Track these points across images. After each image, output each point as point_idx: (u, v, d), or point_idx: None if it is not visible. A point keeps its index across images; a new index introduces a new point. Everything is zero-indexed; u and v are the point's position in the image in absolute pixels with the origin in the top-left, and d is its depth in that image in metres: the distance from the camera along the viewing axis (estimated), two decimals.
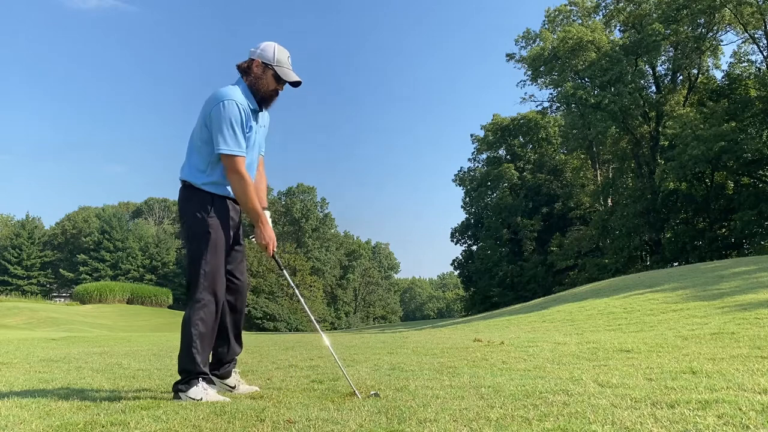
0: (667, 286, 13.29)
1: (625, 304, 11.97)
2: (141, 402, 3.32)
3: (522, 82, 49.91)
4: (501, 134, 55.62)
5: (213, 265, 3.52)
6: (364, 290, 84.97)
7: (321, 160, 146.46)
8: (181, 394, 3.44)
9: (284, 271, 3.89)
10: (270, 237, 3.67)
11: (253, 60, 3.61)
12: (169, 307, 59.66)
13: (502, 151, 57.47)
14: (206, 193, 3.57)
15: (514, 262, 50.03)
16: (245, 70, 3.63)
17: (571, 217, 49.32)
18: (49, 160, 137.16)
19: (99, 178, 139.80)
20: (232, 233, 3.69)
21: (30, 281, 69.30)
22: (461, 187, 58.70)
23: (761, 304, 8.78)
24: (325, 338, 4.01)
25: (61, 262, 73.40)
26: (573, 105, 41.80)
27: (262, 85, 3.60)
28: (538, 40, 45.11)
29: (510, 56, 47.63)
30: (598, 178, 48.13)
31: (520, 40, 46.42)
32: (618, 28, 44.30)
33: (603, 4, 44.05)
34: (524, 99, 49.28)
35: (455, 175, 59.36)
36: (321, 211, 79.12)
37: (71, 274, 69.48)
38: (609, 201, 44.59)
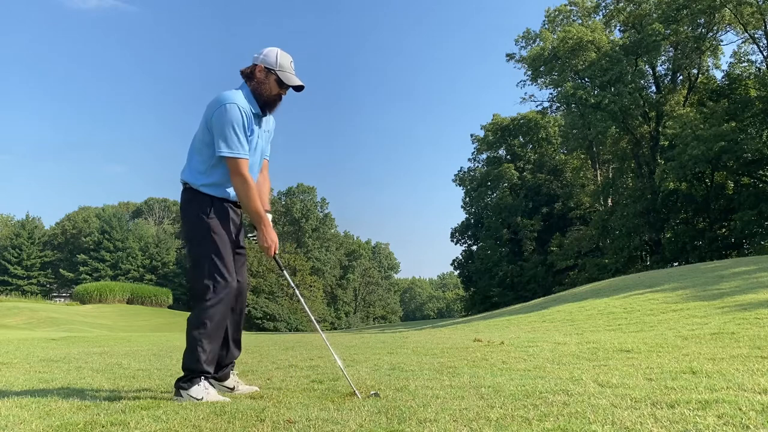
0: (667, 286, 13.29)
1: (625, 304, 11.97)
2: (141, 402, 3.32)
3: (522, 82, 50.04)
4: (501, 134, 55.63)
5: (220, 262, 3.53)
6: (364, 290, 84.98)
7: (321, 160, 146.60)
8: (182, 392, 3.44)
9: (284, 271, 3.90)
10: (273, 239, 3.70)
11: (256, 65, 3.65)
12: (169, 307, 59.67)
13: (502, 151, 57.49)
14: (205, 195, 3.60)
15: (514, 262, 50.04)
16: (248, 75, 3.67)
17: (571, 217, 49.33)
18: (49, 160, 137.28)
19: (99, 178, 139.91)
20: (233, 235, 3.70)
21: (30, 281, 69.31)
22: (461, 187, 58.76)
23: (761, 304, 8.78)
24: (325, 338, 4.02)
25: (61, 262, 73.40)
26: (573, 105, 41.80)
27: (265, 90, 3.63)
28: (538, 40, 45.13)
29: (510, 56, 47.68)
30: (598, 178, 48.14)
31: (520, 40, 46.47)
32: (618, 28, 44.31)
33: (603, 4, 44.07)
34: (524, 99, 49.37)
35: (455, 175, 59.44)
36: (321, 211, 79.18)
37: (71, 274, 69.49)
38: (609, 201, 44.59)
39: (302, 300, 4.22)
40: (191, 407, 3.15)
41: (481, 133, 57.29)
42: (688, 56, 39.56)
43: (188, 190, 3.66)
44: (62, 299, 66.62)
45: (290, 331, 53.02)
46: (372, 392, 3.46)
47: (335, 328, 67.81)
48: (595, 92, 39.29)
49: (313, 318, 4.07)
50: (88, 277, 66.35)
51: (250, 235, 3.81)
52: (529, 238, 50.36)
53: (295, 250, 70.39)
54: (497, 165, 54.93)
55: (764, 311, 7.94)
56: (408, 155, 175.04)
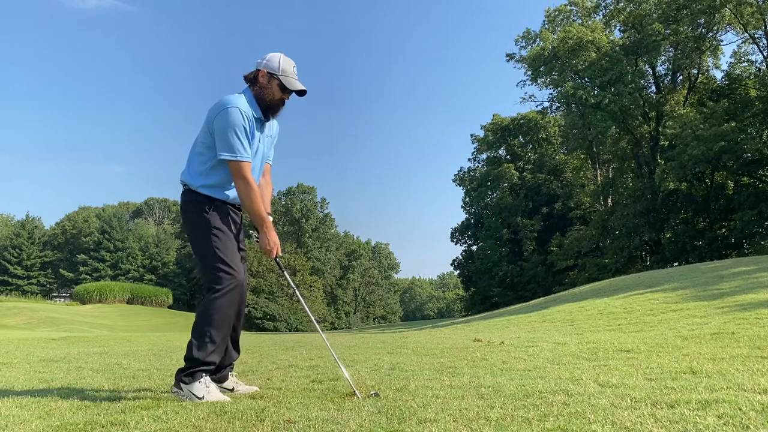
0: (667, 286, 13.29)
1: (625, 304, 11.97)
2: (141, 402, 3.32)
3: (522, 82, 50.02)
4: (501, 134, 55.64)
5: (225, 255, 3.56)
6: (364, 290, 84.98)
7: (321, 160, 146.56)
8: (183, 386, 3.45)
9: (285, 272, 3.91)
10: (275, 242, 3.73)
11: (259, 70, 3.69)
12: (169, 307, 59.67)
13: (502, 151, 57.50)
14: (204, 195, 3.64)
15: (514, 262, 50.04)
16: (252, 80, 3.71)
17: (571, 217, 49.34)
18: (49, 160, 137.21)
19: (99, 178, 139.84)
20: (233, 234, 3.72)
21: (30, 281, 69.31)
22: (461, 187, 58.77)
23: (761, 304, 8.78)
24: (325, 338, 4.02)
25: (61, 262, 73.40)
26: (573, 105, 41.81)
27: (268, 95, 3.67)
28: (538, 40, 45.13)
29: (510, 56, 47.68)
30: (598, 178, 48.15)
31: (520, 40, 46.47)
32: (618, 28, 44.32)
33: (603, 4, 44.07)
34: (524, 99, 49.37)
35: (455, 175, 59.45)
36: (321, 211, 79.17)
37: (71, 274, 69.48)
38: (609, 201, 44.60)
39: (302, 300, 4.23)
40: (191, 407, 3.15)
41: (481, 133, 57.34)
42: (688, 56, 39.56)
43: (187, 191, 3.71)
44: (62, 299, 66.62)
45: (290, 331, 53.03)
46: (372, 392, 3.46)
47: (335, 328, 67.82)
48: (595, 92, 39.29)
49: (313, 318, 4.07)
50: (88, 277, 66.34)
51: (252, 233, 3.82)
52: (529, 238, 50.36)
53: (295, 250, 70.40)
54: (497, 165, 54.94)
55: (764, 311, 7.94)
56: (408, 155, 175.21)
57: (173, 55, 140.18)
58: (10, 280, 66.71)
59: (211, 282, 3.52)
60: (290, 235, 74.65)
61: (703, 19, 38.13)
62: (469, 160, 60.12)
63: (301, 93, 3.75)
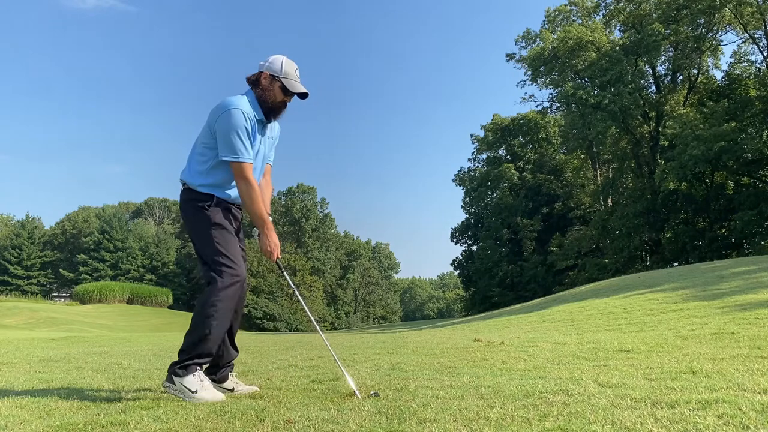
0: (667, 286, 13.29)
1: (625, 304, 11.97)
2: (141, 402, 3.33)
3: (522, 82, 49.96)
4: (501, 134, 55.64)
5: (225, 250, 3.58)
6: (364, 290, 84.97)
7: (321, 160, 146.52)
8: (175, 378, 3.43)
9: (285, 272, 3.92)
10: (275, 243, 3.75)
11: (262, 72, 3.71)
12: (169, 307, 59.68)
13: (502, 151, 57.50)
14: (204, 193, 3.67)
15: (514, 262, 50.04)
16: (254, 82, 3.73)
17: (571, 217, 49.33)
18: (49, 160, 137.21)
19: (99, 178, 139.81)
20: (233, 231, 3.74)
21: (30, 281, 69.32)
22: (461, 187, 58.77)
23: (761, 304, 8.78)
24: (325, 339, 4.02)
25: (61, 262, 73.43)
26: (573, 105, 41.80)
27: (270, 97, 3.68)
28: (538, 40, 45.11)
29: (510, 56, 47.66)
30: (598, 178, 48.14)
31: (520, 40, 46.45)
32: (618, 28, 44.32)
33: (603, 4, 44.07)
34: (524, 99, 49.30)
35: (455, 175, 59.45)
36: (321, 211, 79.16)
37: (71, 274, 69.50)
38: (609, 201, 44.60)
39: (302, 300, 4.23)
40: (191, 407, 3.15)
41: (481, 133, 57.34)
42: (688, 56, 39.57)
43: (187, 190, 3.73)
44: (62, 299, 66.62)
45: (290, 331, 53.04)
46: (372, 392, 3.46)
47: (335, 328, 67.82)
48: (595, 92, 39.29)
49: (313, 319, 4.08)
50: (88, 277, 66.35)
51: (252, 235, 3.84)
52: (529, 238, 50.35)
53: (295, 250, 70.41)
54: (497, 165, 54.94)
55: (764, 311, 7.94)
56: (408, 155, 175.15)
57: (173, 55, 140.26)
58: (10, 280, 66.73)
59: (212, 276, 3.53)
60: (290, 235, 74.64)
61: (703, 19, 38.14)
62: (469, 160, 60.21)
63: (303, 96, 3.77)
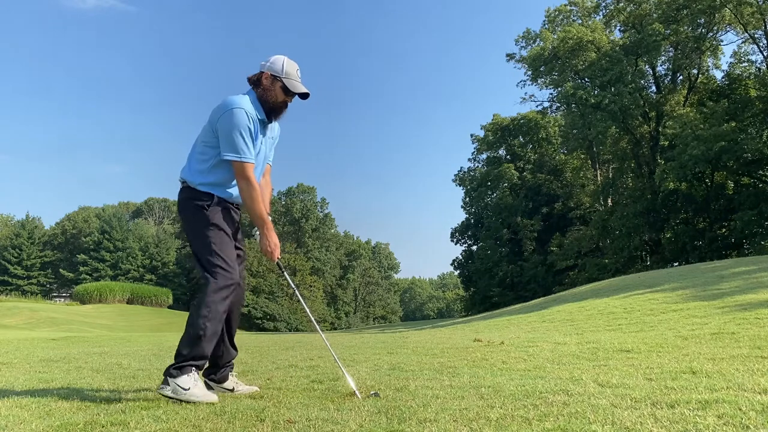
0: (667, 286, 13.29)
1: (625, 304, 11.97)
2: (141, 402, 3.33)
3: (522, 82, 50.01)
4: (501, 134, 55.63)
5: (221, 252, 3.57)
6: (364, 290, 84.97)
7: (321, 160, 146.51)
8: (170, 379, 3.42)
9: (285, 272, 3.92)
10: (275, 244, 3.74)
11: (263, 72, 3.71)
12: (169, 307, 59.67)
13: (502, 151, 57.49)
14: (203, 192, 3.66)
15: (514, 262, 50.03)
16: (255, 82, 3.73)
17: (571, 217, 49.33)
18: (49, 160, 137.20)
19: (99, 178, 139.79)
20: (232, 232, 3.73)
21: (30, 281, 69.32)
22: (461, 187, 58.76)
23: (761, 304, 8.78)
24: (325, 339, 4.03)
25: (61, 262, 73.43)
26: (573, 105, 41.80)
27: (271, 97, 3.69)
28: (538, 40, 45.11)
29: (510, 56, 47.65)
30: (598, 178, 48.14)
31: (520, 40, 46.44)
32: (618, 28, 44.32)
33: (603, 4, 44.07)
34: (524, 99, 49.30)
35: (455, 175, 59.44)
36: (321, 211, 79.16)
37: (71, 274, 69.50)
38: (609, 201, 44.59)
39: (302, 301, 4.24)
40: (191, 407, 3.15)
41: (481, 133, 57.32)
42: (688, 56, 39.56)
43: (186, 189, 3.72)
44: (62, 299, 66.61)
45: (290, 331, 53.05)
46: (372, 392, 3.46)
47: (335, 328, 67.82)
48: (595, 92, 39.29)
49: (313, 319, 4.08)
50: (88, 277, 66.35)
51: (252, 236, 3.84)
52: (529, 238, 50.35)
53: (295, 250, 70.41)
54: (497, 165, 54.93)
55: (764, 311, 7.94)
56: (408, 155, 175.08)
57: (173, 55, 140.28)
58: (10, 280, 66.73)
59: (206, 277, 3.53)
60: (290, 235, 74.65)
61: (703, 19, 38.13)
62: (469, 160, 60.19)
63: (304, 96, 3.77)
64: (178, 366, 3.45)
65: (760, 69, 36.78)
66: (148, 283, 65.78)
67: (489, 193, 56.49)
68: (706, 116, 34.10)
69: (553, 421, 2.59)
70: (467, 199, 57.93)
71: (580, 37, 39.94)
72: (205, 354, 3.52)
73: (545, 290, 40.76)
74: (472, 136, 58.61)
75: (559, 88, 41.85)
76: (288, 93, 3.71)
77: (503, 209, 52.32)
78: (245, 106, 3.57)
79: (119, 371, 5.27)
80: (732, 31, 39.19)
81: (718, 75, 42.43)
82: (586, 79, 41.11)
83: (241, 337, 15.51)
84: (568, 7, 45.04)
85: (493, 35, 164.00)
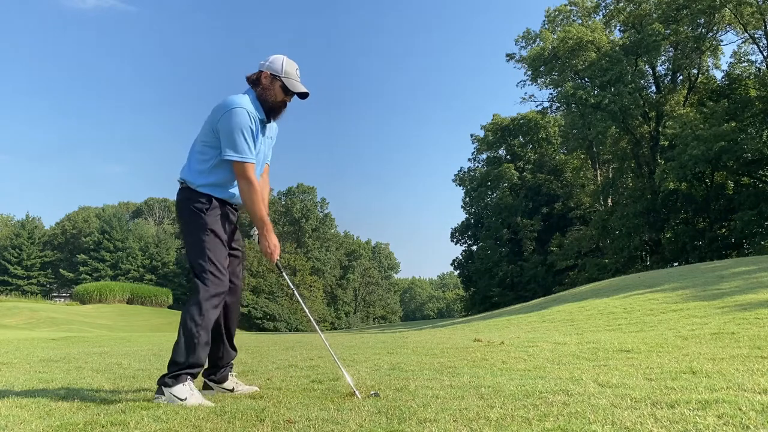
0: (667, 286, 13.28)
1: (625, 304, 11.97)
2: (141, 402, 3.32)
3: (522, 82, 49.93)
4: (501, 134, 55.62)
5: (215, 258, 3.55)
6: (364, 290, 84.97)
7: (321, 160, 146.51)
8: (165, 389, 3.39)
9: (284, 273, 3.92)
10: (275, 245, 3.73)
11: (262, 72, 3.69)
12: (169, 307, 59.67)
13: (502, 151, 57.48)
14: (203, 194, 3.63)
15: (514, 262, 50.03)
16: (254, 81, 3.70)
17: (571, 217, 49.33)
18: (49, 160, 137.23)
19: (99, 178, 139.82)
20: (228, 235, 3.72)
21: (30, 281, 69.33)
22: (461, 187, 58.74)
23: (761, 304, 8.78)
24: (325, 340, 4.03)
25: (61, 262, 73.45)
26: (573, 105, 41.79)
27: (270, 96, 3.66)
28: (538, 40, 45.11)
29: (510, 56, 47.64)
30: (598, 178, 48.14)
31: (520, 40, 46.43)
32: (618, 28, 44.31)
33: (603, 4, 44.06)
34: (524, 99, 49.29)
35: (455, 175, 59.43)
36: (321, 211, 79.16)
37: (71, 274, 69.52)
38: (609, 201, 44.59)
39: (302, 302, 4.23)
40: (191, 407, 3.15)
41: (481, 133, 57.32)
42: (688, 56, 39.56)
43: (186, 189, 3.68)
44: (62, 299, 66.62)
45: (290, 331, 53.05)
46: (372, 392, 3.46)
47: (335, 328, 67.81)
48: (595, 92, 39.28)
49: (312, 320, 4.08)
50: (88, 277, 66.36)
51: (253, 233, 3.83)
52: (529, 238, 50.35)
53: (295, 250, 70.40)
54: (497, 165, 54.93)
55: (764, 311, 7.94)
56: (408, 155, 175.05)
57: (173, 55, 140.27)
58: (10, 280, 66.74)
59: (197, 284, 3.51)
60: (290, 235, 74.65)
61: (703, 19, 38.13)
62: (469, 160, 60.18)
63: (303, 95, 3.75)
64: (173, 375, 3.41)
65: (760, 69, 36.78)
66: (148, 283, 65.80)
67: (489, 193, 56.48)
68: (706, 116, 34.09)
69: (553, 421, 2.59)
70: (467, 199, 57.93)
71: (580, 37, 39.93)
72: (200, 362, 3.49)
73: (545, 290, 40.76)
74: (472, 136, 58.68)
75: (559, 88, 41.84)
76: (287, 92, 3.68)
77: (503, 209, 52.32)
78: (246, 105, 3.55)
79: (119, 371, 5.27)
80: (732, 31, 39.21)
81: (718, 75, 42.49)
82: (586, 79, 41.10)
83: (241, 337, 15.50)
84: (568, 7, 45.04)
85: (493, 35, 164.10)
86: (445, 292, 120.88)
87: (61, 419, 2.88)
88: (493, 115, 56.64)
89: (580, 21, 44.16)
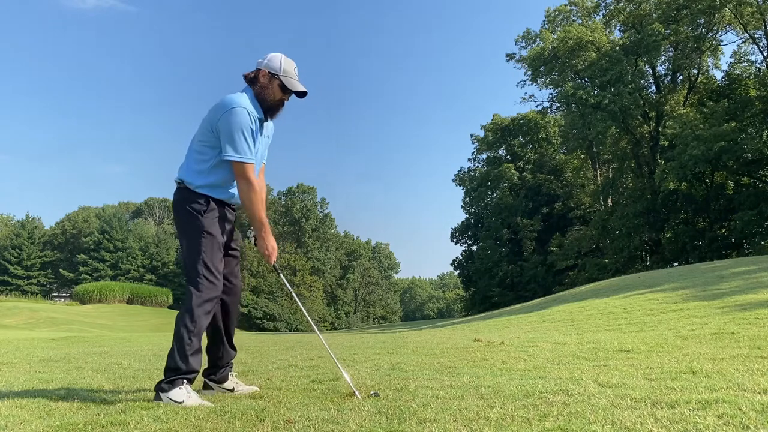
0: (667, 286, 13.28)
1: (625, 304, 11.96)
2: (141, 402, 3.32)
3: (522, 82, 49.94)
4: (501, 134, 55.62)
5: (210, 263, 3.53)
6: (364, 290, 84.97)
7: (321, 160, 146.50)
8: (162, 394, 3.38)
9: (281, 275, 3.91)
10: (273, 247, 3.71)
11: (260, 70, 3.66)
12: (169, 307, 59.65)
13: (502, 151, 57.48)
14: (201, 195, 3.60)
15: (514, 262, 50.02)
16: (252, 79, 3.67)
17: (571, 217, 49.32)
18: (49, 160, 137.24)
19: (99, 178, 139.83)
20: (226, 236, 3.70)
21: (30, 281, 69.33)
22: (461, 187, 58.74)
23: (761, 304, 8.78)
24: (324, 341, 4.03)
25: (61, 262, 73.45)
26: (573, 105, 41.79)
27: (268, 95, 3.63)
28: (538, 40, 45.11)
29: (510, 56, 47.64)
30: (598, 178, 48.13)
31: (520, 40, 46.43)
32: (618, 28, 44.30)
33: (603, 4, 44.06)
34: (524, 99, 49.29)
35: (455, 175, 59.42)
36: (321, 211, 79.14)
37: (71, 274, 69.52)
38: (609, 201, 44.59)
39: (300, 304, 4.22)
40: (191, 407, 3.15)
41: (481, 133, 57.32)
42: (688, 56, 39.56)
43: (183, 190, 3.64)
44: (62, 299, 66.61)
45: (290, 331, 53.05)
46: (372, 392, 3.46)
47: (335, 328, 67.81)
48: (595, 92, 39.27)
49: (312, 322, 4.08)
50: (88, 277, 66.37)
51: (249, 234, 3.81)
52: (529, 238, 50.34)
53: (295, 250, 70.38)
54: (497, 165, 54.93)
55: (764, 311, 7.94)
56: (408, 155, 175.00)
57: (173, 54, 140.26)
58: (10, 280, 66.74)
59: (190, 290, 3.49)
60: (290, 235, 74.63)
61: (703, 19, 38.12)
62: (469, 160, 60.17)
63: (301, 94, 3.72)
64: (169, 380, 3.41)
65: (760, 69, 36.78)
66: (148, 283, 65.80)
67: (489, 193, 56.48)
68: (706, 116, 34.09)
69: (553, 421, 2.59)
70: (467, 199, 57.93)
71: (580, 37, 39.93)
72: (194, 369, 3.47)
73: (545, 290, 40.76)
74: (472, 136, 58.67)
75: (559, 88, 41.83)
76: (286, 91, 3.65)
77: (503, 209, 52.32)
78: (246, 105, 3.51)
79: (119, 371, 5.27)
80: (732, 31, 39.20)
81: (718, 75, 42.49)
82: (586, 79, 41.10)
83: (241, 337, 15.50)
84: (568, 7, 45.04)
85: (493, 35, 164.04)
86: (445, 292, 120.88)
87: (61, 419, 2.87)
88: (493, 115, 56.70)
89: (580, 21, 44.16)
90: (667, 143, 38.23)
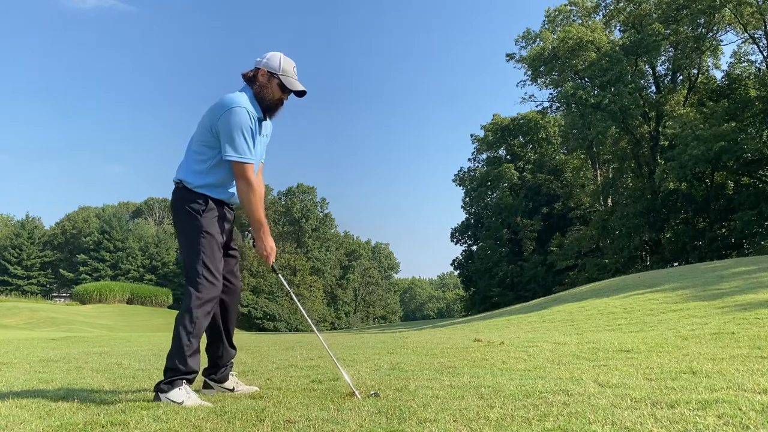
0: (667, 286, 13.28)
1: (625, 304, 11.96)
2: (141, 402, 3.32)
3: (522, 82, 49.97)
4: (501, 134, 55.63)
5: (210, 263, 3.52)
6: (364, 290, 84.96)
7: (321, 160, 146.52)
8: (161, 394, 3.38)
9: (280, 276, 3.91)
10: (271, 248, 3.70)
11: (259, 69, 3.64)
12: (169, 307, 59.65)
13: (502, 151, 57.48)
14: (201, 194, 3.59)
15: (514, 262, 50.02)
16: (251, 79, 3.65)
17: (571, 217, 49.32)
18: (48, 160, 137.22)
19: (99, 178, 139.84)
20: (225, 236, 3.70)
21: (30, 281, 69.32)
22: (461, 187, 58.74)
23: (761, 304, 8.77)
24: (323, 341, 4.03)
25: (61, 262, 73.44)
26: (573, 105, 41.79)
27: (267, 94, 3.62)
28: (538, 40, 45.11)
29: (510, 56, 47.64)
30: (598, 178, 48.13)
31: (520, 40, 46.43)
32: (618, 28, 44.30)
33: (603, 4, 44.06)
34: (524, 99, 49.30)
35: (455, 175, 59.43)
36: (321, 211, 79.14)
37: (71, 274, 69.51)
38: (609, 201, 44.59)
39: (299, 303, 4.22)
40: (191, 407, 3.15)
41: (481, 133, 57.32)
42: (688, 56, 39.56)
43: (181, 189, 3.63)
44: (62, 299, 66.60)
45: (290, 331, 53.04)
46: (372, 392, 3.46)
47: (335, 328, 67.80)
48: (595, 92, 39.27)
49: (311, 322, 4.09)
50: (88, 277, 66.36)
51: (247, 235, 3.81)
52: (529, 238, 50.34)
53: (295, 250, 70.37)
54: (497, 165, 54.93)
55: (764, 311, 7.94)
56: (408, 155, 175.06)
57: (173, 54, 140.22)
58: (10, 280, 66.74)
59: (189, 291, 3.48)
60: (290, 235, 74.62)
61: (703, 19, 38.12)
62: (469, 160, 60.18)
63: (300, 94, 3.70)
64: (168, 381, 3.41)
65: (760, 69, 36.78)
66: (148, 283, 65.80)
67: (489, 193, 56.48)
68: (706, 116, 34.09)
69: (553, 421, 2.59)
70: (467, 199, 57.93)
71: (580, 37, 39.93)
72: (193, 370, 3.47)
73: (545, 290, 40.75)
74: (472, 136, 58.68)
75: (559, 88, 41.83)
76: (285, 90, 3.63)
77: (503, 209, 52.32)
78: (246, 104, 3.50)
79: (119, 371, 5.27)
80: (732, 31, 39.20)
81: (718, 75, 42.50)
82: (586, 79, 41.10)
83: (241, 337, 15.51)
84: (568, 7, 45.04)
85: (493, 35, 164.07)
86: (445, 292, 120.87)
87: (61, 419, 2.87)
88: (493, 115, 56.70)
89: (580, 21, 44.16)
90: (667, 143, 38.23)
